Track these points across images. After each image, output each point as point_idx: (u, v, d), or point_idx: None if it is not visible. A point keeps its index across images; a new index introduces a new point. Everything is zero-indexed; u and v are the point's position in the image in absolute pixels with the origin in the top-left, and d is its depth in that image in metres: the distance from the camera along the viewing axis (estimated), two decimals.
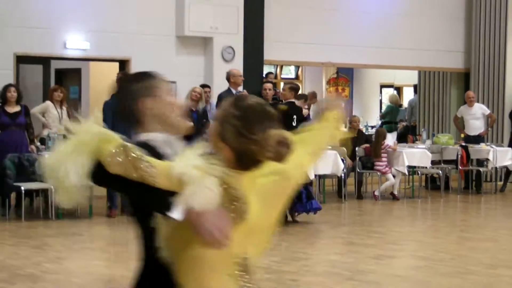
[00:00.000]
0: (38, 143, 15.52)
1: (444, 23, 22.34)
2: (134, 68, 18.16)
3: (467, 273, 10.69)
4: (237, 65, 18.73)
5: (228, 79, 16.44)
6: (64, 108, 16.08)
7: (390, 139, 18.79)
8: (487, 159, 19.65)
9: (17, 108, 15.19)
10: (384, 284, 10.21)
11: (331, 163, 17.21)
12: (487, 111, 20.82)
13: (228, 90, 16.24)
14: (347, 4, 21.53)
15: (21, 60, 17.73)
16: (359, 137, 18.94)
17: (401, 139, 21.70)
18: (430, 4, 22.05)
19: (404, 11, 21.75)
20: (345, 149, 17.72)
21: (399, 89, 27.81)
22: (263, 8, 20.02)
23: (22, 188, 14.93)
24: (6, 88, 15.40)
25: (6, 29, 17.08)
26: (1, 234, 14.00)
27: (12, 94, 15.19)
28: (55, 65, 19.47)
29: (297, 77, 25.62)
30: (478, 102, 21.07)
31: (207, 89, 17.08)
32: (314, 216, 15.95)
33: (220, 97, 15.92)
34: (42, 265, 11.28)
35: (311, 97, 21.79)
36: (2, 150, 15.09)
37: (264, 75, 20.05)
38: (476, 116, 20.61)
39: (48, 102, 15.97)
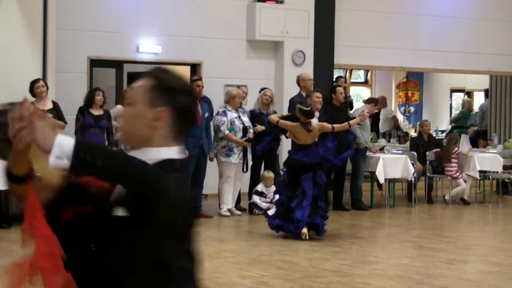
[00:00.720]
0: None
1: None
2: (206, 71, 18.41)
3: None
4: (308, 69, 18.69)
5: (298, 83, 16.39)
6: None
7: (466, 144, 18.53)
8: None
9: (100, 112, 15.29)
10: None
11: (401, 167, 17.09)
12: None
13: (299, 94, 16.20)
14: (417, 9, 21.34)
15: (95, 63, 17.82)
16: (429, 142, 18.65)
17: (472, 144, 21.51)
18: (502, 8, 21.81)
19: (475, 15, 21.52)
20: (415, 153, 17.69)
21: (470, 94, 27.51)
22: (333, 12, 19.90)
23: None
24: (94, 91, 15.49)
25: (80, 34, 17.17)
26: None
27: (101, 97, 15.34)
28: (127, 68, 19.41)
29: (366, 81, 25.52)
30: None
31: (244, 88, 16.96)
32: (384, 220, 15.90)
33: (292, 101, 15.85)
34: None
35: (381, 102, 21.75)
36: None
37: (334, 79, 19.97)
38: None
39: (119, 106, 16.01)
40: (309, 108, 12.89)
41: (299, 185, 12.88)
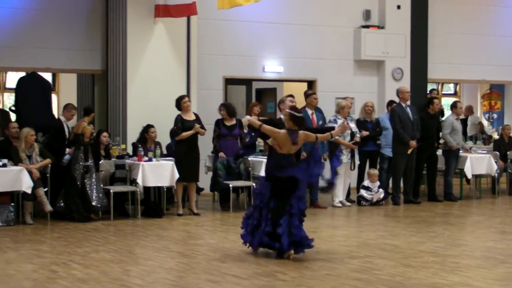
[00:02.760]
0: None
1: None
2: (320, 87, 18.50)
3: None
4: (405, 83, 18.61)
5: (397, 95, 16.27)
6: None
7: None
8: None
9: (233, 122, 15.33)
10: None
11: (486, 164, 16.95)
12: None
13: (399, 104, 16.14)
14: (498, 30, 21.08)
15: (229, 82, 17.89)
16: (510, 143, 18.32)
17: None
18: None
19: None
20: (497, 153, 17.47)
21: None
22: (426, 35, 19.90)
23: (230, 185, 15.06)
24: (220, 106, 15.55)
25: (217, 57, 17.40)
26: (214, 222, 14.20)
27: (223, 112, 15.46)
28: (255, 85, 19.75)
29: (455, 93, 25.26)
30: None
31: (349, 100, 16.61)
32: (472, 209, 15.74)
33: (393, 111, 15.96)
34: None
35: (467, 110, 21.62)
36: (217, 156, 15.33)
37: (428, 91, 19.86)
38: None
39: (248, 116, 16.09)
40: (301, 115, 10.08)
41: (286, 200, 10.04)
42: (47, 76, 18.25)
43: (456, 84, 24.52)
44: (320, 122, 15.33)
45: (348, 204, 15.76)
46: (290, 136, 9.85)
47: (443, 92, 24.58)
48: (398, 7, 19.29)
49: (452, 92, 25.13)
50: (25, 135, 13.43)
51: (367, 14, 19.20)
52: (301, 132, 10.04)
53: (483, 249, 11.07)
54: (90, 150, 13.77)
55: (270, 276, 9.01)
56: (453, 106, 17.35)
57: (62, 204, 13.70)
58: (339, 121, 15.27)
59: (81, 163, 13.58)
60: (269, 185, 10.11)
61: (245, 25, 17.94)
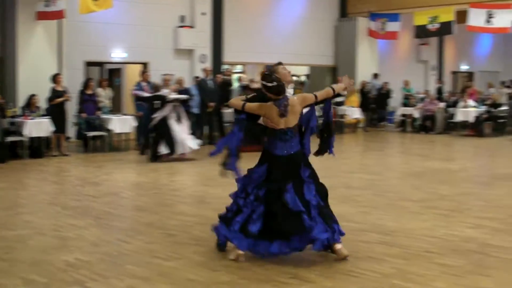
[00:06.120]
0: None
1: None
2: (152, 67, 17.99)
3: None
4: (208, 65, 18.76)
5: (203, 72, 16.86)
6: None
7: None
8: None
9: (91, 91, 15.34)
10: None
11: None
12: None
13: (203, 79, 16.61)
14: (272, 29, 21.39)
15: (88, 64, 17.48)
16: None
17: None
18: None
19: None
20: None
21: None
22: (221, 32, 19.85)
23: (88, 134, 15.14)
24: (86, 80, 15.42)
25: (80, 47, 16.67)
26: (78, 160, 13.79)
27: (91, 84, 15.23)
28: (108, 66, 19.47)
29: (243, 71, 25.77)
30: None
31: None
32: None
33: (199, 82, 16.23)
34: (101, 176, 11.28)
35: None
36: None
37: (222, 70, 19.73)
38: None
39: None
40: (274, 84, 5.84)
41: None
42: None
43: (243, 66, 25.50)
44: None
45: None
46: (278, 106, 5.90)
47: (234, 71, 25.33)
48: (203, 13, 19.39)
49: (241, 70, 25.83)
50: None
51: (182, 18, 19.24)
52: (292, 98, 6.00)
53: None
54: None
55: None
56: (239, 79, 17.76)
57: None
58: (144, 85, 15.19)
59: None
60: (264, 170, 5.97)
61: (99, 24, 17.52)
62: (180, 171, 12.46)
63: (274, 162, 5.89)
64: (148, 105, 13.88)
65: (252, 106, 5.99)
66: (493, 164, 14.10)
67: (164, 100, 13.41)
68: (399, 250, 6.38)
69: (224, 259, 6.02)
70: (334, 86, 6.05)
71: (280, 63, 6.23)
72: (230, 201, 6.24)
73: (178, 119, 13.58)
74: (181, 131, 13.54)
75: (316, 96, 5.96)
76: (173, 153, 13.53)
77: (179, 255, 6.20)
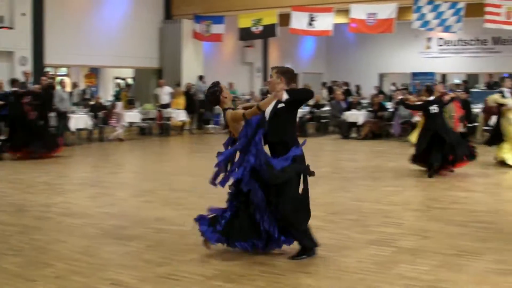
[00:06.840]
0: None
1: None
2: None
3: None
4: (29, 68, 18.41)
5: (24, 76, 16.59)
6: None
7: None
8: None
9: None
10: None
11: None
12: None
13: (23, 82, 16.27)
14: (96, 32, 21.17)
15: None
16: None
17: None
18: None
19: None
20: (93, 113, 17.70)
21: None
22: (43, 33, 19.33)
23: None
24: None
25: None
26: None
27: None
28: None
29: (67, 74, 25.15)
30: None
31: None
32: None
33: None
34: None
35: (74, 85, 21.40)
36: None
37: (45, 73, 19.36)
38: None
39: None
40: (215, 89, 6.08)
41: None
42: None
43: (67, 68, 24.98)
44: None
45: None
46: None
47: (58, 73, 24.80)
48: (23, 14, 18.85)
49: (66, 72, 25.41)
50: None
51: (1, 19, 18.43)
52: (229, 112, 6.01)
53: None
54: None
55: None
56: (60, 82, 17.48)
57: None
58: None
59: None
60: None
61: None
62: None
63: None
64: None
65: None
66: (317, 163, 14.69)
67: None
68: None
69: (41, 269, 5.81)
70: (260, 103, 5.83)
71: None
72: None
73: None
74: None
75: (244, 115, 5.85)
76: None
77: None
